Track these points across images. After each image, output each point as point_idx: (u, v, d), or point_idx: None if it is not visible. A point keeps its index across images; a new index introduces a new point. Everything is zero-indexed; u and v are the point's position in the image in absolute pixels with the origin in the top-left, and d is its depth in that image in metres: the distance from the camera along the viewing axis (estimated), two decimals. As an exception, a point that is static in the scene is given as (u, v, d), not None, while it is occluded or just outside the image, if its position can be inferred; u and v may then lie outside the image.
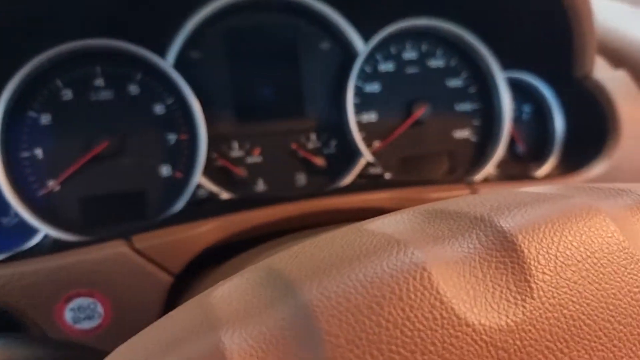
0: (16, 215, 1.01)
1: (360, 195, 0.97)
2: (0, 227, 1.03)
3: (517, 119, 1.25)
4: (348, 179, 1.12)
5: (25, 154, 1.03)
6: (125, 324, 0.90)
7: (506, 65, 1.19)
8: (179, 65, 1.06)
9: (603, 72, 1.12)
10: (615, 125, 1.07)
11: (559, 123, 1.22)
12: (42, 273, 0.85)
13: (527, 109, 1.27)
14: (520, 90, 1.25)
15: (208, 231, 0.91)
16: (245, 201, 0.98)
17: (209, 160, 1.10)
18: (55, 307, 0.86)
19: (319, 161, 1.13)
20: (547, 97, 1.23)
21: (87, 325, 0.89)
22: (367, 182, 1.10)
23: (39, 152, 1.04)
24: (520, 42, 1.17)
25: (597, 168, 1.06)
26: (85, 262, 0.86)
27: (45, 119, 1.04)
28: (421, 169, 1.21)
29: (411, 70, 1.21)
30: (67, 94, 1.05)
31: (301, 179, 1.15)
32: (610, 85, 1.09)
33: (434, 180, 1.11)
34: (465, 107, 1.24)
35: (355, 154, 1.14)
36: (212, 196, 1.05)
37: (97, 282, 0.87)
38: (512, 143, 1.25)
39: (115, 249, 0.87)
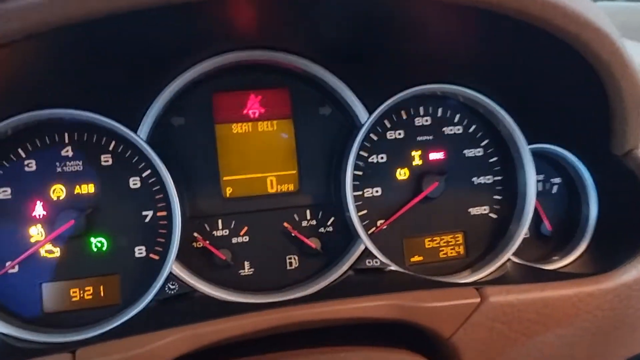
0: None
1: (351, 304, 0.83)
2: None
3: (545, 193, 1.10)
4: (342, 269, 0.97)
5: (-19, 232, 0.92)
6: None
7: (533, 135, 1.04)
8: (156, 135, 0.94)
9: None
10: (661, 220, 0.91)
11: (592, 205, 1.06)
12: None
13: (557, 182, 1.11)
14: (549, 162, 1.10)
15: (167, 346, 0.77)
16: (220, 307, 0.85)
17: (188, 240, 0.97)
18: None
19: (314, 244, 1.00)
20: (580, 173, 1.07)
21: None
22: (359, 283, 0.95)
23: (-3, 231, 0.92)
24: (549, 111, 1.02)
25: (635, 269, 0.90)
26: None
27: (4, 193, 0.92)
28: (431, 252, 1.06)
29: (424, 137, 1.06)
30: (31, 165, 0.93)
31: (293, 262, 1.01)
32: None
33: (439, 282, 0.96)
34: (484, 179, 1.08)
35: (353, 236, 1.00)
36: (185, 289, 0.91)
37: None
38: (537, 221, 1.10)
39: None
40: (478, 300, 0.86)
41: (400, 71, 0.99)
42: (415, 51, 0.94)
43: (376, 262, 0.96)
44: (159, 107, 0.94)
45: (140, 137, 0.92)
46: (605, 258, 1.00)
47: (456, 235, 1.08)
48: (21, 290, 0.93)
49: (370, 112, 0.98)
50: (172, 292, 0.90)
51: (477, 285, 0.88)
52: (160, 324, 0.79)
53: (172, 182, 0.92)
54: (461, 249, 1.08)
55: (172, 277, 0.91)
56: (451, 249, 1.07)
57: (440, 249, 1.07)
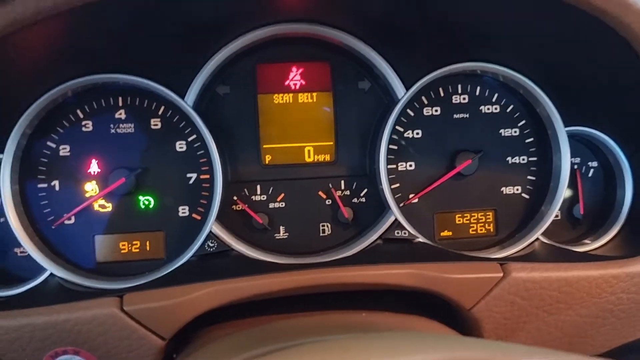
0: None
1: (376, 270, 0.88)
2: (13, 258, 1.02)
3: (581, 176, 1.10)
4: (371, 238, 1.01)
5: (42, 185, 1.00)
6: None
7: (571, 117, 1.04)
8: (202, 102, 1.00)
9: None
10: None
11: (628, 190, 1.06)
12: (28, 329, 0.81)
13: (594, 165, 1.11)
14: (587, 145, 1.10)
15: (202, 297, 0.84)
16: (249, 266, 0.91)
17: (228, 203, 1.03)
18: (41, 362, 0.83)
19: (347, 213, 1.04)
20: (617, 157, 1.06)
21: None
22: (386, 252, 0.99)
23: (55, 184, 1.01)
24: (588, 94, 1.01)
25: (666, 257, 0.90)
26: (73, 320, 0.82)
27: (63, 150, 1.01)
28: (461, 228, 1.09)
29: (460, 115, 1.08)
30: (88, 125, 1.01)
31: (326, 229, 1.06)
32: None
33: (465, 255, 0.99)
34: (519, 159, 1.10)
35: (384, 208, 1.04)
36: (222, 248, 0.98)
37: (84, 342, 0.83)
38: (570, 203, 1.10)
39: (104, 309, 0.82)
40: (501, 274, 0.89)
41: (439, 48, 1.00)
42: (456, 28, 0.95)
43: (405, 233, 1.00)
44: (205, 76, 0.99)
45: (187, 103, 0.97)
46: (636, 243, 1.00)
47: (487, 213, 1.10)
48: (76, 241, 1.01)
49: (408, 88, 1.01)
50: (211, 249, 0.97)
51: (502, 261, 0.91)
52: (199, 277, 0.86)
53: (216, 148, 0.97)
54: (491, 227, 1.10)
55: (211, 235, 0.98)
56: (481, 226, 1.10)
57: (471, 225, 1.09)
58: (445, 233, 1.09)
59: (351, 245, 1.02)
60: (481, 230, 1.10)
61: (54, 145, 1.00)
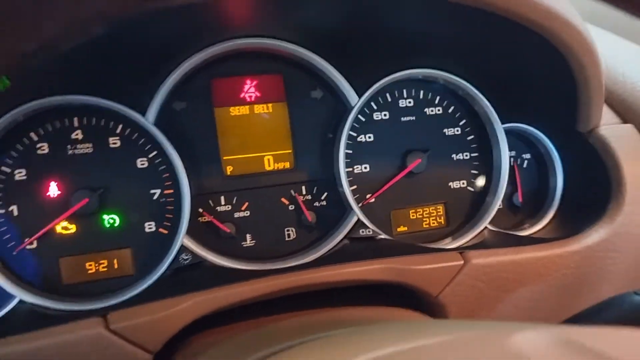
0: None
1: (350, 267, 0.93)
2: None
3: (518, 168, 1.21)
4: (337, 238, 1.07)
5: (0, 211, 0.98)
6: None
7: (505, 115, 1.14)
8: (161, 119, 1.01)
9: (609, 126, 1.06)
10: (619, 188, 1.02)
11: (559, 178, 1.18)
12: (14, 357, 0.80)
13: (527, 157, 1.22)
14: (520, 139, 1.21)
15: (188, 308, 0.86)
16: (230, 274, 0.94)
17: (194, 215, 1.05)
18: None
19: (310, 216, 1.08)
20: (548, 149, 1.18)
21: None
22: (364, 247, 1.05)
23: (13, 209, 0.99)
24: (521, 93, 1.12)
25: (597, 233, 1.02)
26: (59, 344, 0.81)
27: (19, 174, 0.99)
28: (415, 222, 1.16)
29: (407, 118, 1.16)
30: (43, 148, 1.00)
31: (291, 233, 1.10)
32: (616, 143, 1.04)
33: (426, 248, 1.06)
34: (462, 155, 1.19)
35: (346, 209, 1.09)
36: (196, 259, 0.99)
37: (73, 363, 0.82)
38: (509, 192, 1.21)
39: (90, 330, 0.83)
40: (462, 262, 0.96)
41: (385, 57, 1.07)
42: (397, 38, 1.02)
43: (369, 231, 1.06)
44: (164, 93, 1.00)
45: (148, 121, 0.98)
46: (571, 225, 1.11)
47: (438, 207, 1.18)
48: (41, 265, 0.99)
49: (360, 95, 1.07)
50: (186, 262, 0.98)
51: (460, 250, 0.99)
52: (178, 290, 0.87)
53: (180, 162, 0.99)
54: (442, 220, 1.18)
55: (183, 249, 0.99)
56: (433, 219, 1.18)
57: (424, 219, 1.17)
58: (402, 228, 1.16)
59: (318, 246, 1.06)
60: (433, 223, 1.18)
61: (8, 170, 0.98)
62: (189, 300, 0.86)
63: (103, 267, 1.02)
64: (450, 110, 1.18)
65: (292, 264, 1.01)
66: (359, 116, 1.12)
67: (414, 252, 0.99)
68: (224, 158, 1.08)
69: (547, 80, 1.04)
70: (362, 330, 0.68)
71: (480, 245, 1.09)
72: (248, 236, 1.08)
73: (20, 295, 0.93)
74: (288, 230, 1.10)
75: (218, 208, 1.07)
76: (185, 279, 0.97)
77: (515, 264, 0.98)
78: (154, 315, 0.84)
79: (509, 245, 1.03)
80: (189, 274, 0.98)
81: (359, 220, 1.07)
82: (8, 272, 0.96)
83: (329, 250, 1.05)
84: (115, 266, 1.02)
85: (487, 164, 1.18)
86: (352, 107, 1.07)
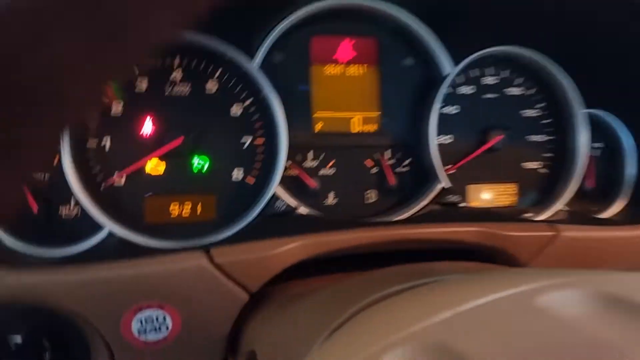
0: (77, 206, 0.94)
1: (445, 227, 0.94)
2: (58, 220, 0.96)
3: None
4: (421, 203, 1.07)
5: (92, 143, 0.96)
6: (191, 338, 0.85)
7: (588, 101, 1.16)
8: (263, 67, 1.01)
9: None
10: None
11: (631, 166, 1.20)
12: (115, 282, 0.79)
13: (598, 146, 1.24)
14: (595, 125, 1.23)
15: (291, 251, 0.86)
16: (331, 222, 0.93)
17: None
18: (123, 318, 0.80)
19: (392, 180, 1.09)
20: (622, 138, 1.20)
21: (152, 337, 0.83)
22: (452, 212, 1.05)
23: (106, 143, 0.97)
24: (606, 79, 1.14)
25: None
26: (161, 273, 0.81)
27: (116, 107, 0.97)
28: (488, 198, 1.17)
29: (489, 95, 1.17)
30: (142, 84, 0.98)
31: (372, 196, 1.10)
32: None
33: (516, 216, 1.07)
34: (538, 138, 1.20)
35: (429, 176, 1.10)
36: (289, 209, 0.99)
37: (171, 295, 0.81)
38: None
39: (194, 262, 0.82)
40: (553, 233, 0.97)
41: (485, 29, 1.09)
42: (505, 10, 1.04)
43: (456, 198, 1.06)
44: (268, 45, 1.00)
45: (254, 67, 0.98)
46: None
47: (511, 186, 1.19)
48: (126, 202, 0.98)
49: (455, 65, 1.08)
50: (280, 209, 0.97)
51: (549, 222, 1.00)
52: (282, 232, 0.87)
53: (282, 109, 0.99)
54: (514, 199, 1.19)
55: (275, 198, 0.98)
56: (506, 198, 1.19)
57: (496, 197, 1.18)
58: (475, 203, 1.16)
59: (399, 210, 1.06)
60: (505, 201, 1.19)
61: (105, 102, 0.97)
62: (295, 241, 0.85)
63: (186, 211, 1.00)
64: (530, 92, 1.19)
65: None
66: (447, 88, 1.13)
67: (504, 219, 1.00)
68: (315, 115, 1.07)
69: (635, 66, 1.06)
70: (477, 276, 0.68)
71: (564, 221, 1.10)
72: (331, 194, 1.08)
73: (110, 227, 0.91)
74: (368, 193, 1.10)
75: (305, 163, 1.06)
76: (281, 224, 0.95)
77: (602, 241, 1.00)
78: (259, 254, 0.84)
79: (585, 224, 1.05)
80: (282, 221, 0.97)
81: (443, 188, 1.07)
82: (98, 204, 0.94)
83: (413, 214, 1.05)
84: (199, 211, 1.01)
85: (562, 148, 1.19)
86: (447, 75, 1.08)
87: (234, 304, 0.84)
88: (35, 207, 0.94)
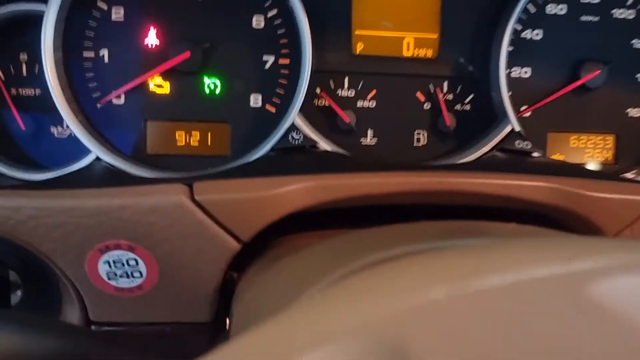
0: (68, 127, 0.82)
1: (507, 179, 0.71)
2: (52, 139, 0.84)
3: None
4: (482, 149, 0.84)
5: (89, 54, 0.82)
6: (173, 289, 0.70)
7: None
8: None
9: None
10: None
11: None
12: (76, 213, 0.64)
13: None
14: None
15: (292, 194, 0.67)
16: (355, 162, 0.74)
17: (310, 96, 0.86)
18: (87, 258, 0.66)
19: (450, 120, 0.87)
20: None
21: (124, 283, 0.69)
22: (521, 162, 0.82)
23: (104, 54, 0.83)
24: None
25: None
26: (131, 208, 0.65)
27: (116, 13, 0.82)
28: (575, 152, 0.92)
29: (589, 17, 0.90)
30: (148, -15, 0.83)
31: (421, 138, 0.89)
32: None
33: (602, 173, 0.82)
34: (651, 77, 0.93)
35: (496, 117, 0.87)
36: (307, 143, 0.80)
37: (142, 235, 0.66)
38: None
39: (170, 198, 0.66)
40: (643, 197, 0.72)
41: None
42: None
43: (527, 144, 0.83)
44: None
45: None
46: None
47: (607, 138, 0.93)
48: (125, 125, 0.84)
49: (540, -28, 0.83)
50: (297, 141, 0.79)
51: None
52: (289, 170, 0.69)
53: (307, 22, 0.79)
54: (610, 155, 0.93)
55: (294, 127, 0.80)
56: (599, 153, 0.93)
57: (587, 150, 0.93)
58: (558, 156, 0.92)
59: (453, 157, 0.85)
60: (598, 157, 0.93)
61: (105, 7, 0.82)
62: (297, 182, 0.67)
63: (195, 141, 0.85)
64: (646, 17, 0.91)
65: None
66: (528, 6, 0.88)
67: (588, 175, 0.76)
68: (356, 32, 0.87)
69: None
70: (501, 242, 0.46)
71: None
72: (370, 132, 0.88)
73: (96, 151, 0.78)
74: (418, 134, 0.89)
75: (339, 91, 0.87)
76: (297, 160, 0.78)
77: None
78: (255, 193, 0.66)
79: None
80: (300, 157, 0.79)
81: (512, 131, 0.84)
82: (89, 126, 0.80)
83: (476, 160, 0.83)
84: (209, 142, 0.85)
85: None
86: (527, -12, 0.83)
87: (220, 253, 0.67)
88: (22, 124, 0.83)
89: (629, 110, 0.93)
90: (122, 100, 0.84)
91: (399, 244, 0.47)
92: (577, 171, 0.79)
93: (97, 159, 0.79)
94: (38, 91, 0.83)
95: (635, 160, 0.93)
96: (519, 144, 0.83)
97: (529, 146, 0.83)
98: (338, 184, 0.68)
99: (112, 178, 0.74)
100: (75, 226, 0.65)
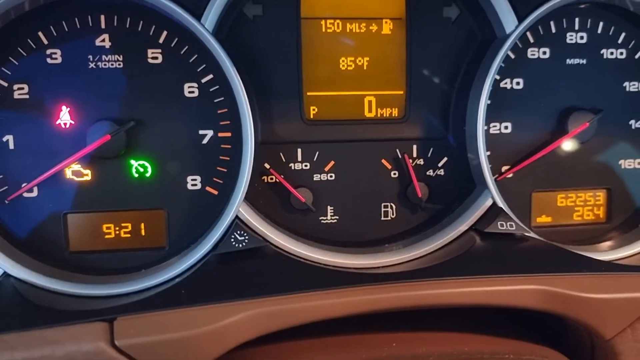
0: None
1: (488, 284, 0.61)
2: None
3: None
4: (458, 228, 0.73)
5: (-10, 140, 0.69)
6: None
7: None
8: (224, 28, 0.69)
9: None
10: None
11: None
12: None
13: None
14: None
15: (236, 324, 0.56)
16: (303, 271, 0.63)
17: (258, 173, 0.74)
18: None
19: (420, 190, 0.76)
20: None
21: None
22: (504, 252, 0.70)
23: (8, 140, 0.69)
24: None
25: None
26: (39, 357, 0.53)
27: (19, 91, 0.69)
28: (563, 212, 0.82)
29: (576, 60, 0.79)
30: (55, 56, 0.69)
31: (389, 211, 0.78)
32: None
33: (603, 262, 0.71)
34: (644, 124, 0.82)
35: (474, 183, 0.76)
36: (254, 242, 0.68)
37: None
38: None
39: (86, 344, 0.54)
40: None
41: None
42: None
43: (510, 225, 0.72)
44: None
45: (204, 26, 0.66)
46: None
47: (597, 193, 0.83)
48: (40, 221, 0.71)
49: (520, 19, 0.71)
50: (241, 245, 0.67)
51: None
52: (228, 290, 0.57)
53: (243, 89, 0.66)
54: (601, 212, 0.84)
55: (239, 223, 0.68)
56: (589, 210, 0.83)
57: (576, 209, 0.83)
58: (544, 218, 0.83)
59: (428, 236, 0.74)
60: (588, 215, 0.83)
61: (5, 84, 0.69)
62: (240, 310, 0.55)
63: (125, 233, 0.73)
64: (638, 55, 0.80)
65: (387, 260, 0.69)
66: (509, 52, 0.76)
67: (579, 266, 0.65)
68: (308, 94, 0.75)
69: None
70: None
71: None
72: (329, 209, 0.77)
73: (4, 265, 0.65)
74: (386, 207, 0.78)
75: (292, 165, 0.76)
76: (239, 269, 0.66)
77: None
78: (187, 332, 0.55)
79: None
80: (244, 263, 0.67)
81: (493, 204, 0.73)
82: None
83: (445, 245, 0.72)
84: (143, 233, 0.74)
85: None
86: (507, 36, 0.71)
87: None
88: None
89: (621, 161, 0.83)
90: (35, 193, 0.71)
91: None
92: (570, 262, 0.68)
93: (5, 274, 0.66)
94: None
95: (628, 216, 0.84)
96: (502, 225, 0.72)
97: (513, 227, 0.72)
98: (287, 310, 0.57)
99: (18, 308, 0.62)
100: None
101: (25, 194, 0.71)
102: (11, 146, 0.70)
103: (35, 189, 0.71)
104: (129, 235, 0.73)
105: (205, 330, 0.55)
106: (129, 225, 0.73)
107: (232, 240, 0.67)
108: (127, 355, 0.54)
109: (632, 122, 0.82)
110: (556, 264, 0.66)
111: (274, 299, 0.57)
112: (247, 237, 0.67)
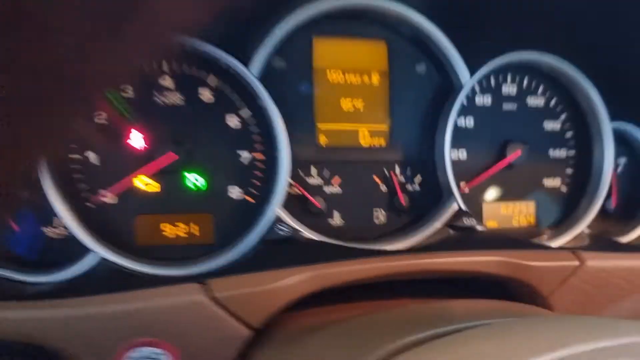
0: (64, 227, 0.86)
1: (462, 256, 0.85)
2: (44, 239, 0.88)
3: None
4: (434, 225, 0.98)
5: (75, 156, 0.88)
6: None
7: (614, 113, 1.07)
8: (262, 75, 0.92)
9: None
10: None
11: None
12: (105, 319, 0.71)
13: (623, 160, 1.16)
14: (616, 140, 1.14)
15: (297, 283, 0.77)
16: (338, 250, 0.85)
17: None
18: (115, 356, 0.72)
19: (403, 199, 1.00)
20: (649, 153, 1.12)
21: (147, 376, 0.75)
22: (469, 238, 0.96)
23: (91, 156, 0.88)
24: (635, 89, 1.05)
25: None
26: (155, 309, 0.72)
27: (100, 117, 0.88)
28: (505, 218, 1.09)
29: (509, 106, 1.08)
30: (127, 91, 0.89)
31: (380, 215, 1.02)
32: None
33: (535, 238, 0.99)
34: (559, 153, 1.12)
35: (442, 195, 1.01)
36: (292, 234, 0.90)
37: (167, 332, 0.73)
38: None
39: (191, 297, 0.73)
40: (577, 263, 0.89)
41: (503, 33, 1.00)
42: (521, 14, 0.94)
43: (472, 221, 0.98)
44: (267, 48, 0.91)
45: (252, 74, 0.89)
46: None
47: (528, 205, 1.11)
48: (116, 221, 0.89)
49: (472, 73, 0.99)
50: (284, 232, 0.89)
51: (574, 249, 0.92)
52: (285, 262, 0.79)
53: (282, 121, 0.90)
54: (532, 219, 1.11)
55: (278, 219, 0.90)
56: (523, 217, 1.10)
57: (514, 216, 1.10)
58: (492, 223, 1.08)
59: (410, 233, 0.98)
60: (523, 221, 1.10)
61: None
62: (300, 273, 0.77)
63: (182, 232, 0.92)
64: (552, 103, 1.11)
65: (391, 248, 0.93)
66: (463, 99, 1.04)
67: (524, 247, 0.91)
68: (320, 126, 0.99)
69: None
70: (529, 322, 0.60)
71: (588, 247, 1.01)
72: (336, 214, 0.99)
73: (101, 252, 0.83)
74: (377, 212, 1.02)
75: (308, 179, 0.98)
76: (284, 252, 0.87)
77: (629, 271, 0.92)
78: (264, 287, 0.75)
79: (612, 251, 0.97)
80: (285, 248, 0.88)
81: (459, 209, 0.99)
82: (86, 225, 0.85)
83: (426, 238, 0.97)
84: (196, 232, 0.93)
85: (585, 164, 1.11)
86: (463, 86, 0.99)
87: (236, 339, 0.76)
88: (15, 227, 0.86)
89: (545, 180, 1.11)
90: (114, 200, 0.89)
91: (428, 326, 0.59)
92: (515, 243, 0.94)
93: (100, 258, 0.83)
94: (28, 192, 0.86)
95: (551, 222, 1.12)
96: (465, 220, 0.98)
97: (474, 222, 0.98)
98: (331, 273, 0.79)
99: (122, 279, 0.80)
100: (106, 330, 0.70)
101: (107, 201, 0.89)
102: (92, 160, 0.88)
103: (115, 197, 0.89)
104: (185, 234, 0.92)
105: (279, 285, 0.76)
106: (185, 225, 0.92)
107: (277, 230, 0.89)
108: (222, 305, 0.74)
109: (550, 151, 1.12)
110: (508, 244, 0.92)
111: (321, 265, 0.79)
112: (287, 229, 0.89)
